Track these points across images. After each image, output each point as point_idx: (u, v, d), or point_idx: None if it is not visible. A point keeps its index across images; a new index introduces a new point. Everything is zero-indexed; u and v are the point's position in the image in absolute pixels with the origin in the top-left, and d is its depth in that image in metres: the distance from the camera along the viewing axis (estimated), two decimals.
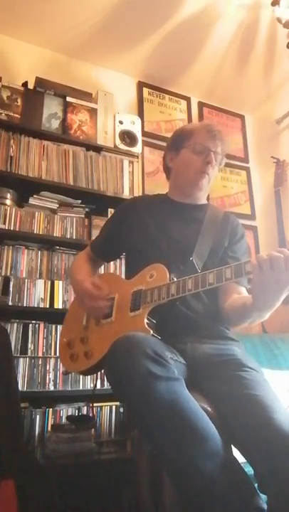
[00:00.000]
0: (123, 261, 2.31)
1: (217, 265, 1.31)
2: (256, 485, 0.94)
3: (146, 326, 1.14)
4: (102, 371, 2.06)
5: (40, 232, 2.24)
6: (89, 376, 2.09)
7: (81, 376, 2.09)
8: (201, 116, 3.23)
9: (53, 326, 2.12)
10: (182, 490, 0.96)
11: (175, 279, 1.18)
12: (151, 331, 1.12)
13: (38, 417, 1.92)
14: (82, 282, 1.36)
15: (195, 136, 1.43)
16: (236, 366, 1.14)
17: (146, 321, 1.16)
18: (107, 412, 2.07)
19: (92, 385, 2.08)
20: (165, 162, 1.53)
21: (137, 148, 2.66)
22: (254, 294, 1.08)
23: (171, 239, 1.36)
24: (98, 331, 1.31)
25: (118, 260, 2.32)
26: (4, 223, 2.16)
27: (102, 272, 2.19)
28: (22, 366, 1.99)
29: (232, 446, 1.02)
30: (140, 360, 0.96)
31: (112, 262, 2.31)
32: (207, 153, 1.40)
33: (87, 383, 2.09)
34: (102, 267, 2.09)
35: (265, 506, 0.91)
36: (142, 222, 1.43)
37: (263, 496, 0.93)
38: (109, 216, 2.38)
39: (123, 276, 1.55)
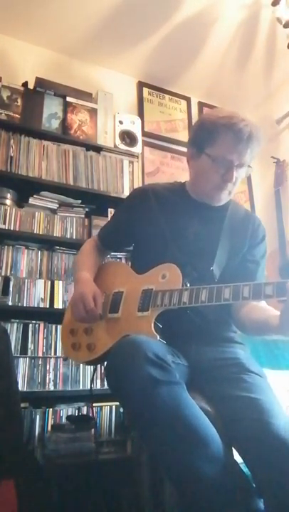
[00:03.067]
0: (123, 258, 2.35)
1: (234, 270, 1.27)
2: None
3: (154, 331, 1.12)
4: (103, 371, 2.08)
5: (40, 232, 2.24)
6: (89, 376, 2.09)
7: (81, 376, 2.08)
8: None
9: (53, 326, 2.11)
10: (182, 493, 0.96)
11: (188, 285, 1.13)
12: (158, 336, 1.10)
13: (38, 417, 1.92)
14: (85, 291, 1.27)
15: (219, 144, 1.21)
16: (238, 369, 1.13)
17: (153, 324, 1.13)
18: (107, 412, 2.07)
19: (92, 385, 2.07)
20: (188, 153, 1.34)
21: (137, 148, 2.66)
22: (283, 320, 1.00)
23: (184, 240, 1.28)
24: (103, 325, 1.27)
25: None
26: (4, 223, 2.16)
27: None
28: (22, 366, 1.98)
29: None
30: (141, 364, 0.94)
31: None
32: (229, 167, 1.22)
33: (87, 383, 2.09)
34: None
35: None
36: (152, 215, 1.33)
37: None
38: (109, 216, 2.41)
39: None
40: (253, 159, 1.27)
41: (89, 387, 2.05)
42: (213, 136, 1.22)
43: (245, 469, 0.97)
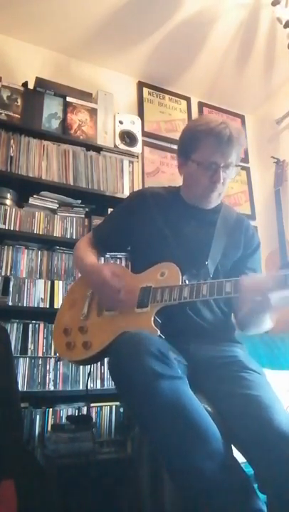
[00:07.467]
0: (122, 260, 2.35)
1: (228, 270, 1.32)
2: (256, 485, 0.94)
3: (154, 325, 1.13)
4: (103, 371, 2.08)
5: (40, 232, 2.24)
6: (89, 376, 2.09)
7: (81, 376, 2.08)
8: None
9: (53, 326, 2.11)
10: (182, 489, 0.97)
11: (188, 282, 1.17)
12: (158, 331, 1.11)
13: (38, 417, 1.92)
14: (101, 270, 1.26)
15: (202, 149, 1.28)
16: (238, 367, 1.14)
17: (153, 320, 1.14)
18: (107, 412, 2.07)
19: (92, 385, 2.07)
20: (178, 162, 1.42)
21: (137, 148, 2.66)
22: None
23: (182, 238, 1.32)
24: (100, 323, 1.27)
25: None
26: (4, 223, 2.16)
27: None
28: (22, 366, 1.99)
29: (232, 446, 1.02)
30: (144, 359, 0.95)
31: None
32: (215, 169, 1.28)
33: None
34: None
35: (264, 508, 0.91)
36: (152, 216, 1.37)
37: (263, 497, 0.93)
38: None
39: None
40: (239, 159, 1.34)
41: (89, 387, 2.06)
42: (195, 143, 1.30)
43: (246, 469, 0.97)
